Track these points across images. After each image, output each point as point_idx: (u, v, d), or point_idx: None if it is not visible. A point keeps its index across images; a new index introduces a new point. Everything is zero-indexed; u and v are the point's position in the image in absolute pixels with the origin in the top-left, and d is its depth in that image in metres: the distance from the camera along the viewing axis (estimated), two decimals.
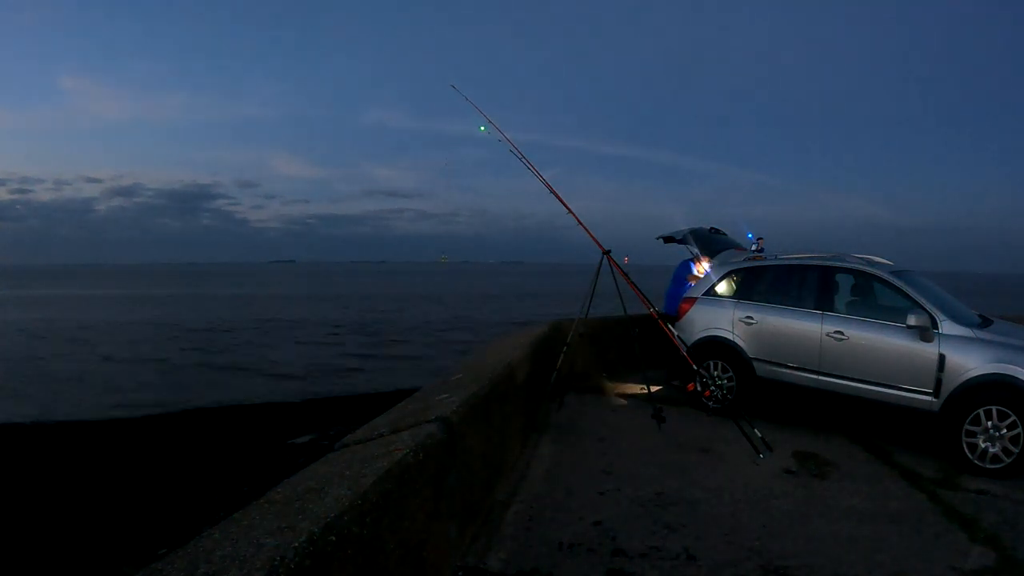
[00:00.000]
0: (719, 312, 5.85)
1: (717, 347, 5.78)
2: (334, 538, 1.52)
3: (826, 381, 5.11)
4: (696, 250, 6.76)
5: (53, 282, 75.46)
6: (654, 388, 5.67)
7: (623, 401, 6.28)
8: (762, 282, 5.85)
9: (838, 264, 5.38)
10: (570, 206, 5.57)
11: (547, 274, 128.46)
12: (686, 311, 6.10)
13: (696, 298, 6.10)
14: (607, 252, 5.55)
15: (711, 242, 6.77)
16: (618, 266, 5.55)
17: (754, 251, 6.35)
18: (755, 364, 5.56)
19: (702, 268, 6.98)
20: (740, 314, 5.69)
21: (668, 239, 6.93)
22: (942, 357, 4.54)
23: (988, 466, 4.24)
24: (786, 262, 5.79)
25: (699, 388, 5.73)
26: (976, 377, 4.37)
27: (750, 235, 6.98)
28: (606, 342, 7.54)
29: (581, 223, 5.62)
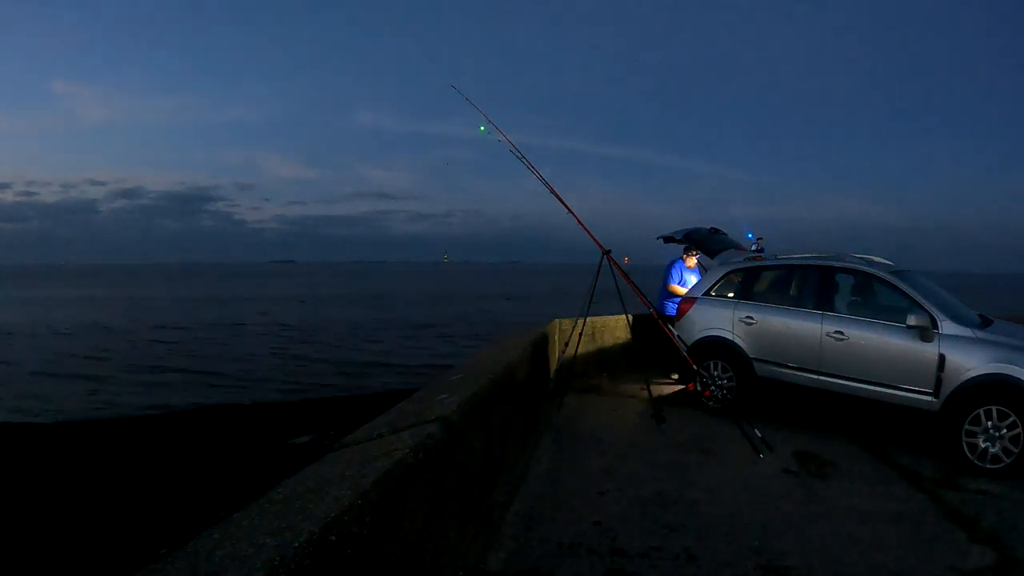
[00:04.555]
0: (719, 312, 5.84)
1: (717, 347, 5.77)
2: (334, 538, 1.52)
3: (826, 381, 5.11)
4: (694, 249, 6.78)
5: (73, 283, 74.60)
6: (654, 388, 5.67)
7: (623, 401, 6.27)
8: (762, 282, 5.85)
9: (838, 264, 5.37)
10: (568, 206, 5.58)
11: (553, 273, 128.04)
12: (686, 311, 6.10)
13: (696, 298, 6.10)
14: (607, 252, 5.56)
15: (711, 242, 6.78)
16: (618, 266, 5.56)
17: (754, 251, 6.34)
18: (755, 364, 5.55)
19: (692, 262, 6.99)
20: (740, 314, 5.69)
21: (668, 239, 6.94)
22: (942, 357, 4.53)
23: (988, 466, 4.23)
24: (786, 262, 5.79)
25: (699, 388, 5.73)
26: (976, 377, 4.36)
27: (750, 235, 6.98)
28: (606, 342, 7.54)
29: (581, 223, 5.62)
